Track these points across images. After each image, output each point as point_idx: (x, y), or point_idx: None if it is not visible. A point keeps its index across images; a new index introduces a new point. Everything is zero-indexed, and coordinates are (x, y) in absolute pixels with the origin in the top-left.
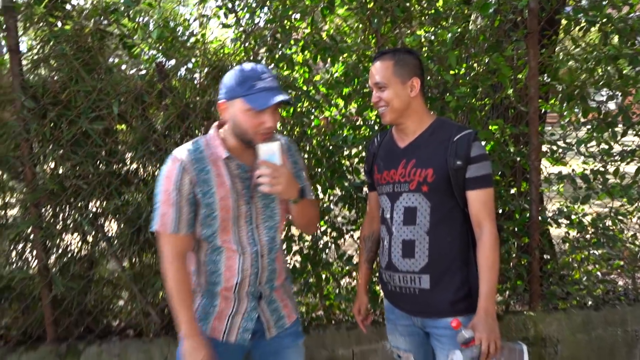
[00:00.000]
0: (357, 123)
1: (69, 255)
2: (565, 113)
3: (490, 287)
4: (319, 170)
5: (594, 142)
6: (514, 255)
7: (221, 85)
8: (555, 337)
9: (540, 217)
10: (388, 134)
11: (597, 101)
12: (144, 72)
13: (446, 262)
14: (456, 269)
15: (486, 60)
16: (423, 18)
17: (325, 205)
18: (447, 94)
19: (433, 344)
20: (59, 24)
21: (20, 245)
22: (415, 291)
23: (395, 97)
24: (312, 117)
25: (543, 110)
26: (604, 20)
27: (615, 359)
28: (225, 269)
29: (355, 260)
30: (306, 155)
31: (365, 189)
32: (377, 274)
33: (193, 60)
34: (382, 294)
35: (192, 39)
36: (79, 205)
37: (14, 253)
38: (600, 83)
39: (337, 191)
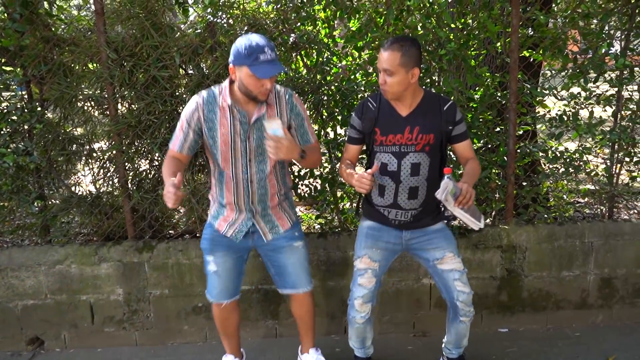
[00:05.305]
0: (369, 70)
1: (142, 174)
2: (545, 62)
3: (472, 181)
4: (336, 110)
5: (576, 87)
6: (495, 180)
7: (232, 52)
8: (524, 245)
9: (518, 150)
10: (382, 101)
11: (573, 52)
12: (198, 30)
13: (433, 195)
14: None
15: (479, 16)
16: None
17: (340, 139)
18: (441, 49)
19: (416, 253)
20: None
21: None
22: (411, 218)
23: (397, 83)
24: (331, 66)
25: (532, 59)
26: None
27: (572, 264)
28: (226, 188)
29: None
30: (325, 98)
31: None
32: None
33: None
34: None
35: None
36: (150, 135)
37: (101, 172)
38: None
39: None
